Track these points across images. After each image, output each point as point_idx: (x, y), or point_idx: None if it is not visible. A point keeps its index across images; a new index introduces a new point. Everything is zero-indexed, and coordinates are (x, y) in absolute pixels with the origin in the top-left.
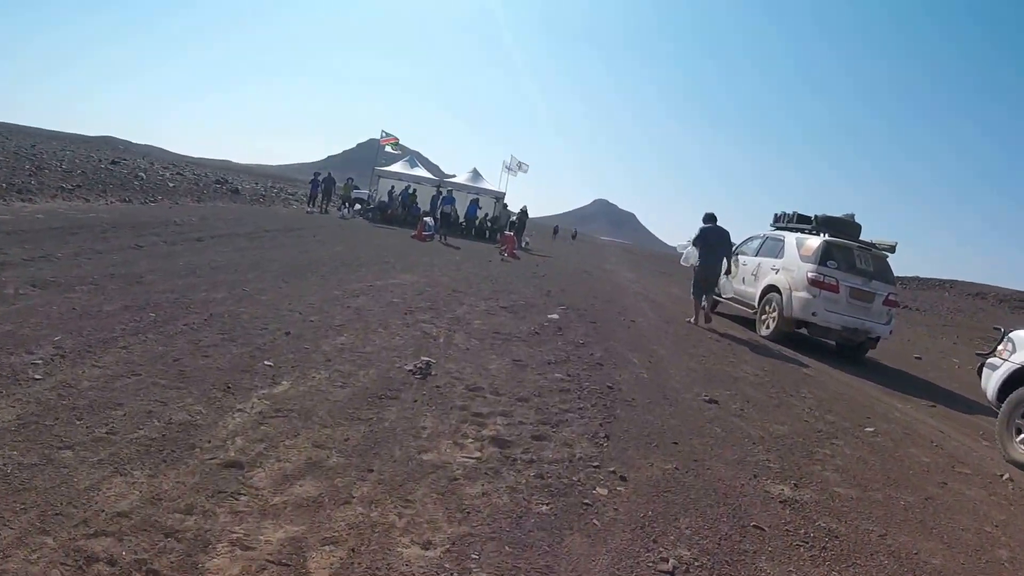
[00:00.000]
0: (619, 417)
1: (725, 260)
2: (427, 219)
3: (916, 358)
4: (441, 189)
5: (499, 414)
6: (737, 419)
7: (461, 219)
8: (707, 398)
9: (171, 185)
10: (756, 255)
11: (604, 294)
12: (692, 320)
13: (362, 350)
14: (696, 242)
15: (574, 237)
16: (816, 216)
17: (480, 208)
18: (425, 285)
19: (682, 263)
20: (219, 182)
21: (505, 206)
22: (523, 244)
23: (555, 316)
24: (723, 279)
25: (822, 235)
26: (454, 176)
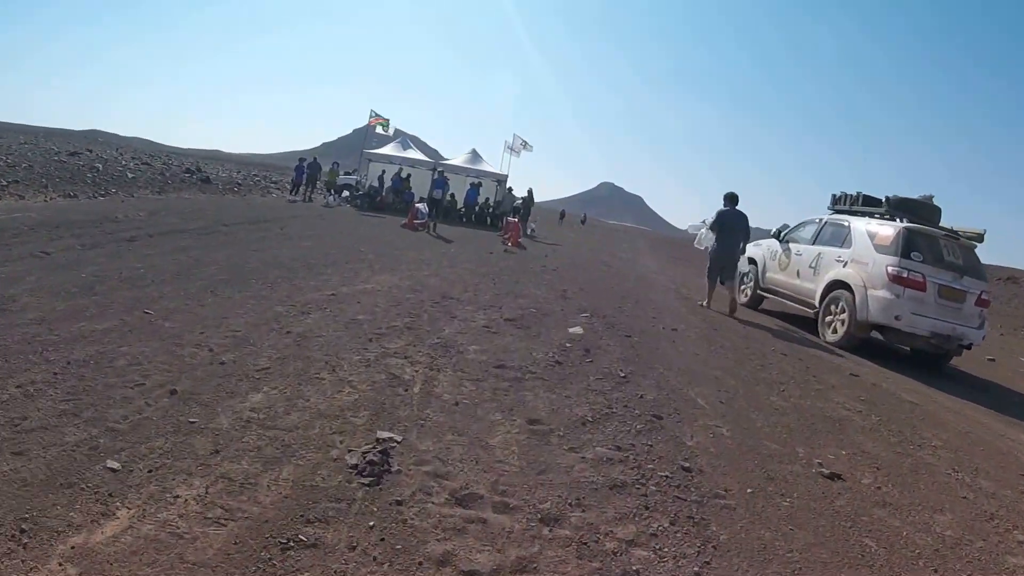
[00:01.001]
0: (720, 543)
1: (743, 244)
2: (419, 205)
3: (989, 359)
4: (436, 172)
5: (513, 571)
6: (881, 510)
7: (460, 205)
8: (825, 471)
9: (130, 176)
10: (813, 243)
11: (629, 291)
12: (704, 303)
13: (282, 423)
14: (713, 225)
15: (583, 222)
16: (888, 198)
17: (481, 192)
18: (407, 290)
19: (696, 245)
20: (189, 171)
21: (509, 190)
22: (528, 231)
23: (578, 330)
24: (764, 271)
25: (899, 221)
26: (451, 159)
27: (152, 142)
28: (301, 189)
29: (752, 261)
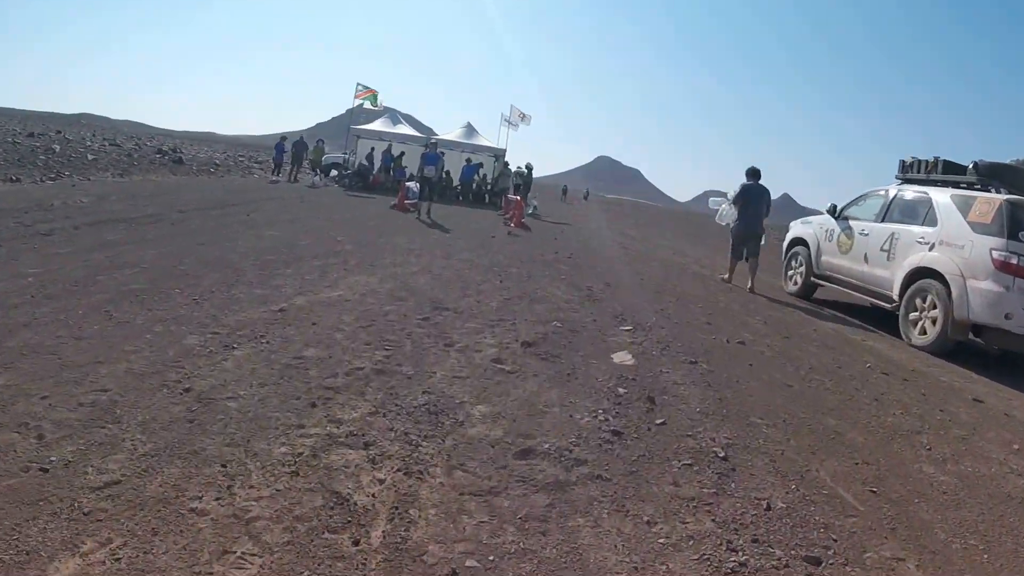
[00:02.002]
0: None
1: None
2: (411, 184)
3: None
4: (429, 146)
5: None
6: None
7: (456, 183)
8: None
9: (90, 158)
10: (883, 220)
11: (661, 282)
12: (726, 277)
13: None
14: (736, 200)
15: (586, 197)
16: (976, 163)
17: (480, 169)
18: (388, 298)
19: (717, 220)
20: (161, 152)
21: (506, 164)
22: (530, 210)
23: (626, 358)
24: (819, 255)
25: (996, 192)
26: (445, 134)
27: (143, 125)
28: (284, 169)
29: (801, 242)
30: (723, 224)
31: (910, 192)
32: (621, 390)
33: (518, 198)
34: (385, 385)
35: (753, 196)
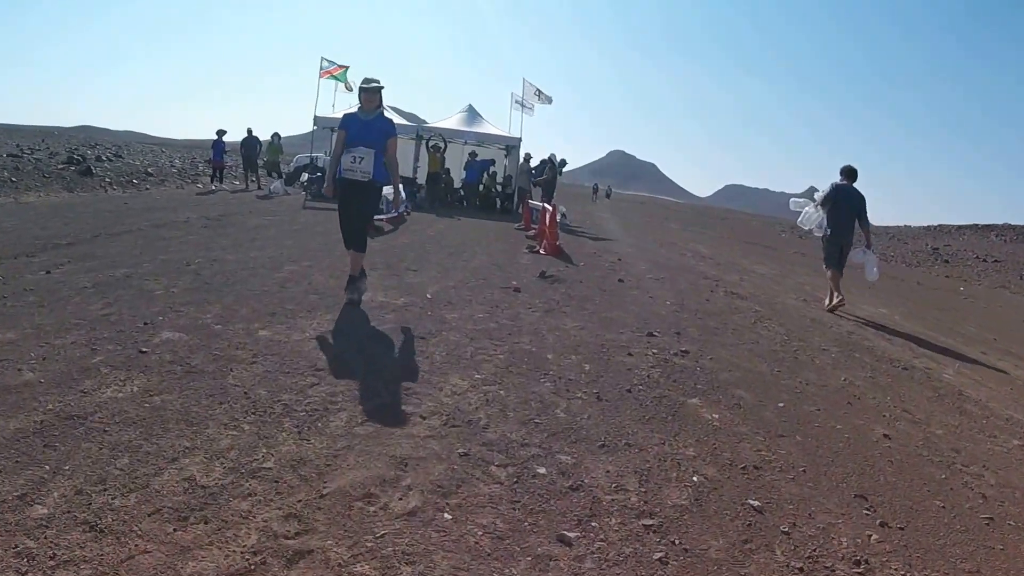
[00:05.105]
0: None
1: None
2: (386, 191)
3: None
4: (423, 134)
5: None
6: None
7: (457, 184)
8: None
9: None
10: None
11: (843, 392)
12: (827, 304)
13: None
14: (825, 201)
15: (608, 195)
16: None
17: (491, 167)
18: None
19: (799, 224)
20: (71, 161)
21: (527, 158)
22: (559, 218)
23: None
24: None
25: None
26: (441, 121)
27: (145, 135)
28: (240, 174)
29: None
30: (806, 229)
31: None
32: None
33: (547, 206)
34: None
35: (844, 198)
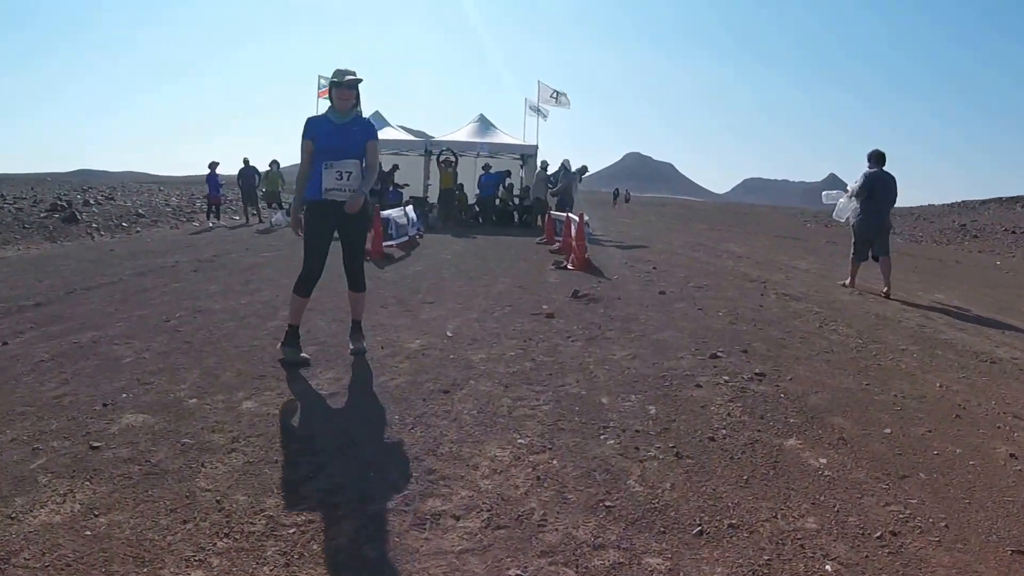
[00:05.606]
0: None
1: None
2: (393, 214)
3: None
4: (432, 149)
5: None
6: None
7: (472, 200)
8: None
9: None
10: None
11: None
12: (847, 283)
13: None
14: (860, 191)
15: (627, 200)
16: None
17: (507, 179)
18: None
19: (835, 217)
20: (55, 207)
21: (544, 166)
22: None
23: None
24: None
25: None
26: (451, 134)
27: (145, 174)
28: (241, 208)
29: None
30: (841, 220)
31: None
32: None
33: (572, 216)
34: None
35: (879, 185)
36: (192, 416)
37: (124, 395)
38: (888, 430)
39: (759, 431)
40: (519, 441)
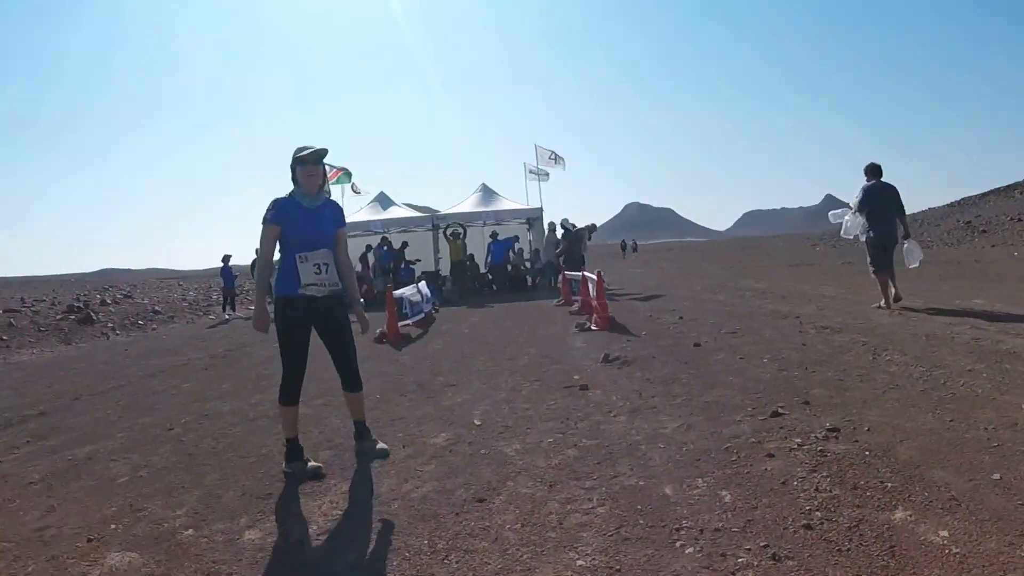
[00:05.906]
0: None
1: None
2: (406, 292)
3: None
4: (439, 223)
5: None
6: None
7: (483, 269)
8: None
9: None
10: None
11: None
12: (882, 304)
13: None
14: (862, 206)
15: (635, 250)
16: None
17: (516, 244)
18: None
19: (844, 235)
20: (72, 308)
21: (552, 228)
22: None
23: None
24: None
25: None
26: (455, 206)
27: (167, 269)
28: (234, 301)
29: None
30: (850, 238)
31: None
32: None
33: (588, 275)
34: None
35: (879, 196)
36: (185, 554)
37: (113, 526)
38: (996, 475)
39: (859, 507)
40: (578, 563)
